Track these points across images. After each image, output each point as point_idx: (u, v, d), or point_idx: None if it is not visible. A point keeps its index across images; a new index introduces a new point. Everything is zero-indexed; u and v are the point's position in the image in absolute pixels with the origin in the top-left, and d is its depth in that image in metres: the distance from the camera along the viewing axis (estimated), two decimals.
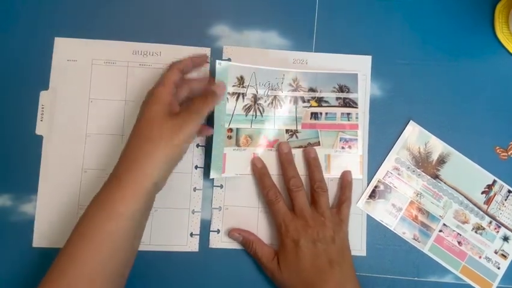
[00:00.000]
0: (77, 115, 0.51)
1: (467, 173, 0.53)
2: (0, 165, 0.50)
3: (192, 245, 0.50)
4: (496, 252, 0.52)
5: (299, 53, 0.54)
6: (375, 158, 0.53)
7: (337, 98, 0.52)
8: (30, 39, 0.52)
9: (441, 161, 0.53)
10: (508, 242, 0.52)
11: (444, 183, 0.53)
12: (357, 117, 0.52)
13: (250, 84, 0.51)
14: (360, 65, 0.54)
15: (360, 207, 0.52)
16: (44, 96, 0.51)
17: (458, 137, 0.53)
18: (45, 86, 0.51)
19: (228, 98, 0.50)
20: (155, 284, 0.49)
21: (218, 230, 0.50)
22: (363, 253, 0.51)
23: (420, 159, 0.53)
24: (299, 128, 0.52)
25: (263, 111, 0.51)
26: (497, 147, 0.54)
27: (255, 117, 0.51)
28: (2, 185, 0.50)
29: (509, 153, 0.54)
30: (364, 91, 0.54)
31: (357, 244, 0.51)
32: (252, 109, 0.51)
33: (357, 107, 0.52)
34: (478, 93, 0.55)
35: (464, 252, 0.52)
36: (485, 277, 0.51)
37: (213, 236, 0.50)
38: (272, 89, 0.51)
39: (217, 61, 0.50)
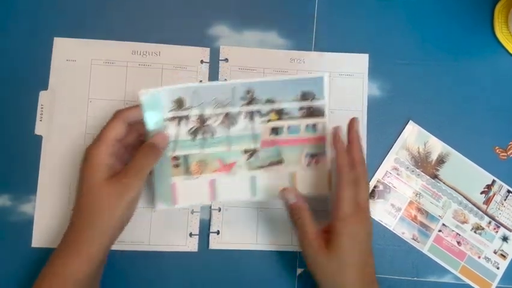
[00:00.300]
0: (77, 115, 0.51)
1: (466, 173, 0.53)
2: (0, 165, 0.50)
3: (191, 245, 0.50)
4: (495, 252, 0.52)
5: (297, 52, 0.54)
6: (375, 158, 0.53)
7: (300, 108, 0.46)
8: (29, 39, 0.52)
9: (441, 161, 0.53)
10: (507, 242, 0.52)
11: (444, 183, 0.53)
12: (324, 129, 0.46)
13: (193, 105, 0.45)
14: (357, 63, 0.54)
15: None
16: (43, 96, 0.51)
17: (458, 137, 0.53)
18: (45, 86, 0.51)
19: (165, 125, 0.45)
20: (154, 284, 0.49)
21: (218, 231, 0.50)
22: None
23: (420, 159, 0.53)
24: (258, 146, 0.46)
25: (214, 132, 0.46)
26: (497, 147, 0.54)
27: (205, 140, 0.46)
28: (1, 185, 0.50)
29: (508, 153, 0.54)
30: (362, 90, 0.54)
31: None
32: (200, 131, 0.46)
33: (324, 116, 0.46)
34: (478, 93, 0.55)
35: (464, 252, 0.52)
36: (484, 277, 0.51)
37: (212, 238, 0.50)
38: (222, 106, 0.45)
39: (140, 92, 0.43)
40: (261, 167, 0.46)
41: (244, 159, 0.46)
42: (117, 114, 0.43)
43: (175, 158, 0.46)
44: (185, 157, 0.46)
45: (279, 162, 0.47)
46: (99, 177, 0.41)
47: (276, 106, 0.46)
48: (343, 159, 0.43)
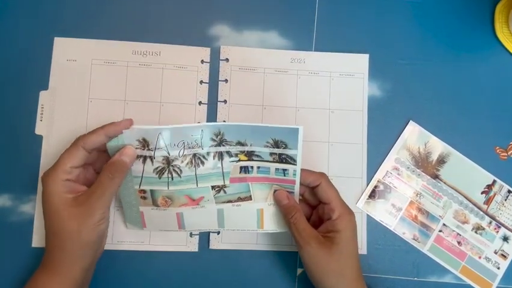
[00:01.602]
0: (77, 115, 0.51)
1: (467, 173, 0.53)
2: (0, 165, 0.50)
3: (192, 245, 0.50)
4: (495, 252, 0.52)
5: (297, 52, 0.54)
6: (375, 158, 0.53)
7: (271, 154, 0.44)
8: (30, 39, 0.52)
9: (441, 161, 0.53)
10: (507, 242, 0.52)
11: (444, 183, 0.53)
12: (294, 174, 0.44)
13: (158, 147, 0.43)
14: (357, 63, 0.54)
15: (359, 207, 0.52)
16: (43, 96, 0.51)
17: (458, 137, 0.53)
18: (45, 86, 0.51)
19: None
20: (154, 284, 0.49)
21: (218, 231, 0.50)
22: (364, 251, 0.51)
23: (420, 159, 0.53)
24: (227, 182, 0.45)
25: (181, 172, 0.44)
26: (497, 147, 0.54)
27: (172, 179, 0.45)
28: (1, 185, 0.50)
29: (509, 153, 0.54)
30: (362, 90, 0.54)
31: (358, 243, 0.51)
32: (166, 171, 0.44)
33: (295, 164, 0.44)
34: (478, 93, 0.55)
35: (464, 252, 0.52)
36: (485, 277, 0.51)
37: (213, 237, 0.50)
38: (189, 148, 0.44)
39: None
40: (229, 201, 0.46)
41: (212, 194, 0.46)
42: (76, 141, 0.42)
43: (142, 191, 0.45)
44: (152, 191, 0.45)
45: (248, 198, 0.46)
46: (58, 203, 0.40)
47: (247, 149, 0.44)
48: (311, 173, 0.45)
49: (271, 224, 0.47)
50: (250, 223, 0.47)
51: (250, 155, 0.44)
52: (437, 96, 0.54)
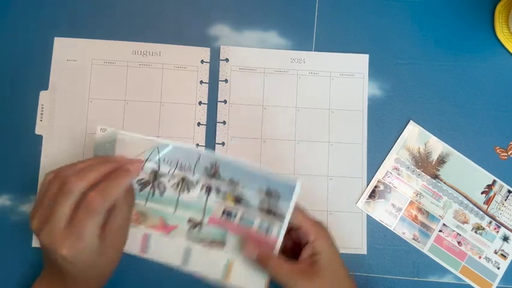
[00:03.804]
0: (77, 115, 0.51)
1: (467, 173, 0.53)
2: (0, 165, 0.50)
3: None
4: (495, 252, 0.52)
5: (297, 52, 0.54)
6: (375, 158, 0.53)
7: (261, 202, 0.42)
8: (30, 39, 0.52)
9: (441, 161, 0.53)
10: (507, 242, 0.52)
11: (444, 183, 0.53)
12: (279, 233, 0.42)
13: (150, 158, 0.42)
14: (357, 63, 0.54)
15: (360, 207, 0.52)
16: (43, 96, 0.51)
17: (458, 137, 0.53)
18: (45, 86, 0.51)
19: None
20: (154, 283, 0.49)
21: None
22: (364, 251, 0.51)
23: (420, 159, 0.53)
24: (205, 221, 0.43)
25: (164, 190, 0.43)
26: (497, 147, 0.54)
27: (152, 196, 0.43)
28: (1, 185, 0.50)
29: (509, 153, 0.54)
30: (362, 90, 0.54)
31: (358, 242, 0.51)
32: (150, 186, 0.43)
33: (282, 222, 0.41)
34: (478, 93, 0.55)
35: (464, 252, 0.52)
36: (485, 277, 0.51)
37: None
38: (181, 169, 0.43)
39: (99, 127, 0.42)
40: (201, 241, 0.44)
41: (186, 227, 0.44)
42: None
43: None
44: None
45: (221, 244, 0.43)
46: (53, 229, 0.36)
47: (237, 190, 0.43)
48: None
49: (240, 278, 0.43)
50: (215, 272, 0.43)
51: (238, 200, 0.43)
52: (437, 96, 0.54)
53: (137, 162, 0.41)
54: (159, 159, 0.42)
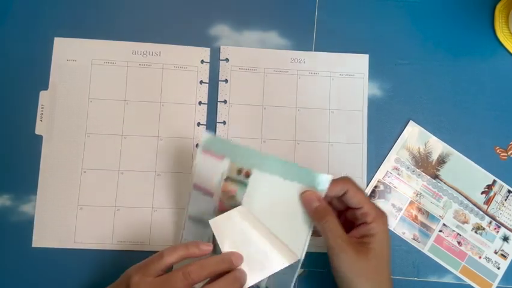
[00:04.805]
0: (77, 115, 0.51)
1: (467, 173, 0.53)
2: (0, 165, 0.50)
3: None
4: (495, 253, 0.52)
5: (297, 52, 0.54)
6: (375, 158, 0.53)
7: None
8: (30, 39, 0.52)
9: (441, 161, 0.53)
10: (507, 242, 0.52)
11: (444, 183, 0.53)
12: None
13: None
14: (357, 63, 0.54)
15: None
16: (43, 96, 0.51)
17: (458, 137, 0.53)
18: (45, 86, 0.51)
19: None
20: None
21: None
22: None
23: (420, 159, 0.53)
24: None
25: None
26: (497, 147, 0.54)
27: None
28: (1, 185, 0.50)
29: (509, 153, 0.54)
30: (362, 90, 0.54)
31: None
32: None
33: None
34: (478, 93, 0.55)
35: (464, 252, 0.52)
36: (485, 277, 0.51)
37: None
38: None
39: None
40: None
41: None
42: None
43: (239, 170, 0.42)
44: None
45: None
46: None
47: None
48: (336, 183, 0.42)
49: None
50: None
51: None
52: (437, 96, 0.54)
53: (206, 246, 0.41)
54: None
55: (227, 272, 0.39)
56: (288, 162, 0.41)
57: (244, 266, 0.40)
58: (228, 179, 0.42)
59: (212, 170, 0.42)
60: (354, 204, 0.42)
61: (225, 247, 0.40)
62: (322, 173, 0.40)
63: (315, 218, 0.41)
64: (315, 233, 0.41)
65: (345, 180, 0.42)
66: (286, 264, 0.40)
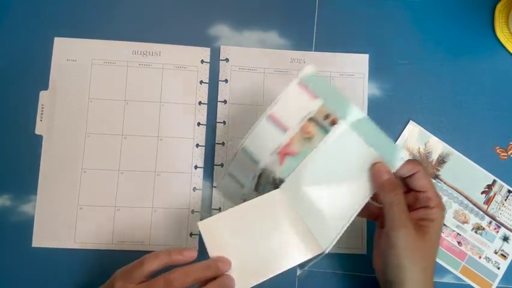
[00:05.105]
0: (77, 115, 0.51)
1: (467, 173, 0.53)
2: (0, 165, 0.50)
3: (191, 245, 0.50)
4: (495, 253, 0.52)
5: (297, 52, 0.54)
6: None
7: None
8: (30, 39, 0.52)
9: (441, 161, 0.53)
10: (507, 242, 0.52)
11: (444, 183, 0.53)
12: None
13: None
14: (357, 63, 0.54)
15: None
16: (43, 96, 0.51)
17: (458, 137, 0.53)
18: (45, 86, 0.51)
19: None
20: None
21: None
22: (364, 251, 0.51)
23: (420, 159, 0.53)
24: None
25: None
26: (497, 147, 0.54)
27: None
28: (1, 185, 0.50)
29: (509, 153, 0.54)
30: (362, 90, 0.54)
31: (358, 242, 0.51)
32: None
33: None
34: (478, 93, 0.55)
35: (464, 252, 0.52)
36: (485, 277, 0.51)
37: None
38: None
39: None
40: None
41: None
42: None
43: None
44: None
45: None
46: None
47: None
48: (407, 163, 0.42)
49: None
50: None
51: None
52: (437, 96, 0.54)
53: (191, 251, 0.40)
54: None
55: (214, 278, 0.37)
56: (378, 128, 0.41)
57: (234, 271, 0.38)
58: (311, 119, 0.40)
59: (300, 105, 0.40)
60: (420, 186, 0.42)
61: (213, 252, 0.38)
62: (402, 149, 0.41)
63: (387, 189, 0.40)
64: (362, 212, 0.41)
65: (416, 162, 0.43)
66: (309, 256, 0.39)
